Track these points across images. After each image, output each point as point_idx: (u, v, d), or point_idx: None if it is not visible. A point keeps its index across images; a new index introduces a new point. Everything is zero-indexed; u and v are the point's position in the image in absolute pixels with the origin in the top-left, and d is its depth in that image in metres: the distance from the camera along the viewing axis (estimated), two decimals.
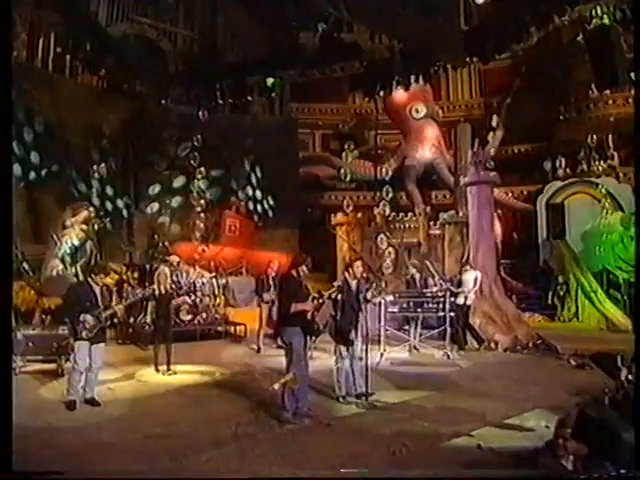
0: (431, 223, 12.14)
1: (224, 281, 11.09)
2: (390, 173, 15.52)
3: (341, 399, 5.15)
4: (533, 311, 11.92)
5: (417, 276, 8.34)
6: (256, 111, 14.24)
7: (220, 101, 11.87)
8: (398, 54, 10.72)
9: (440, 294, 7.76)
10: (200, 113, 11.89)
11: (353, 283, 5.12)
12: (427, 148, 16.02)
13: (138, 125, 12.08)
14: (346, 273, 5.21)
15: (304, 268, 4.62)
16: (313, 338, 5.31)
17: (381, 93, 12.95)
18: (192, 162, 12.49)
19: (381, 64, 11.32)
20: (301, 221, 14.33)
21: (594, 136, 13.30)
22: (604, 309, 10.34)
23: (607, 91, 12.05)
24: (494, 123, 14.74)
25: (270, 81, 11.55)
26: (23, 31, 10.72)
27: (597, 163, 13.55)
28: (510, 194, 15.61)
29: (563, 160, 14.73)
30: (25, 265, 9.13)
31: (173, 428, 4.30)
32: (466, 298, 8.28)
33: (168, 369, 6.42)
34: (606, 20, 9.41)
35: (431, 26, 9.60)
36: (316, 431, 4.31)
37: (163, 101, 12.04)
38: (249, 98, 11.99)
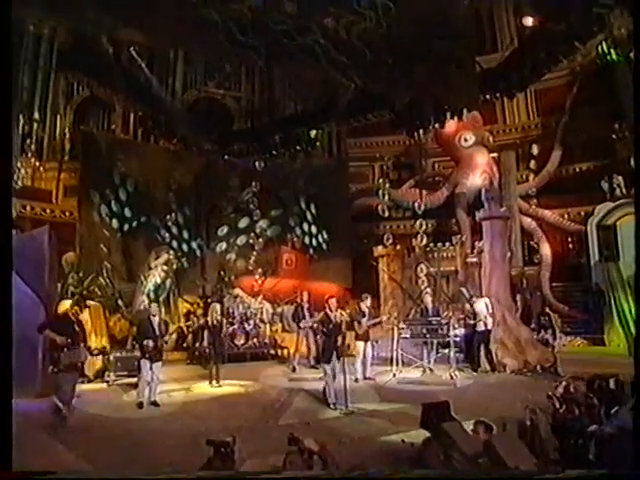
0: (468, 251, 13.45)
1: (280, 309, 13.40)
2: (441, 201, 17.09)
3: (331, 406, 7.02)
4: (576, 335, 12.68)
5: (430, 305, 9.90)
6: (311, 153, 16.51)
7: (274, 152, 14.47)
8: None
9: (444, 322, 9.31)
10: (257, 164, 14.60)
11: (332, 315, 7.04)
12: (478, 175, 17.16)
13: (207, 177, 14.97)
14: (327, 307, 7.15)
15: (77, 309, 6.57)
16: None
17: (420, 131, 14.83)
18: (253, 205, 15.16)
19: (412, 108, 13.13)
20: (353, 252, 16.25)
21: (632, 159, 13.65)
22: (637, 333, 10.90)
23: None
24: (535, 151, 15.61)
25: (313, 133, 13.89)
26: (119, 113, 14.23)
27: None
28: (566, 215, 16.23)
29: (621, 180, 15.12)
30: (120, 301, 12.12)
31: (201, 421, 6.52)
32: (485, 325, 9.69)
33: (217, 382, 8.77)
34: (613, 56, 10.38)
35: (445, 78, 11.20)
36: (297, 428, 6.25)
37: (226, 156, 14.90)
38: (298, 148, 14.44)
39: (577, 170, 17.19)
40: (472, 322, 9.48)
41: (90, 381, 9.01)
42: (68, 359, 6.37)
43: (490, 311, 9.52)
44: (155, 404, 7.28)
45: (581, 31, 10.33)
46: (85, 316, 9.04)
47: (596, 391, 6.64)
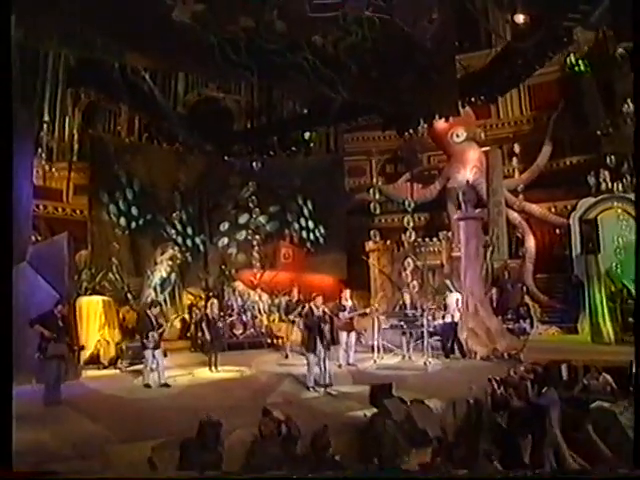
0: (453, 246, 14.62)
1: (277, 301, 14.75)
2: (433, 195, 18.25)
3: (310, 388, 8.37)
4: (552, 324, 13.90)
5: (408, 300, 11.16)
6: (308, 152, 17.66)
7: (272, 152, 15.70)
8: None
9: (418, 314, 10.59)
10: (254, 164, 15.88)
11: (316, 311, 8.33)
12: (469, 170, 18.21)
13: (209, 177, 16.24)
14: (312, 304, 8.44)
15: (60, 309, 7.78)
16: None
17: (410, 130, 15.96)
18: (252, 202, 16.45)
19: (399, 114, 14.26)
20: (348, 246, 17.49)
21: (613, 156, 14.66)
22: (602, 322, 12.10)
23: None
24: (525, 146, 16.65)
25: (307, 135, 15.09)
26: (125, 118, 15.57)
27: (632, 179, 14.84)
28: (553, 209, 17.28)
29: (607, 174, 16.09)
30: (129, 295, 13.52)
31: (200, 400, 7.89)
32: (452, 317, 11.00)
33: (215, 368, 10.16)
34: (581, 67, 11.39)
35: (427, 88, 12.29)
36: (281, 406, 7.59)
37: (227, 157, 16.14)
38: (294, 149, 15.66)
39: (565, 164, 18.17)
40: (442, 314, 10.75)
41: (105, 367, 10.45)
42: (53, 350, 7.62)
43: (460, 305, 10.77)
44: (166, 385, 8.67)
45: (551, 44, 11.36)
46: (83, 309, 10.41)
47: (537, 374, 7.93)
